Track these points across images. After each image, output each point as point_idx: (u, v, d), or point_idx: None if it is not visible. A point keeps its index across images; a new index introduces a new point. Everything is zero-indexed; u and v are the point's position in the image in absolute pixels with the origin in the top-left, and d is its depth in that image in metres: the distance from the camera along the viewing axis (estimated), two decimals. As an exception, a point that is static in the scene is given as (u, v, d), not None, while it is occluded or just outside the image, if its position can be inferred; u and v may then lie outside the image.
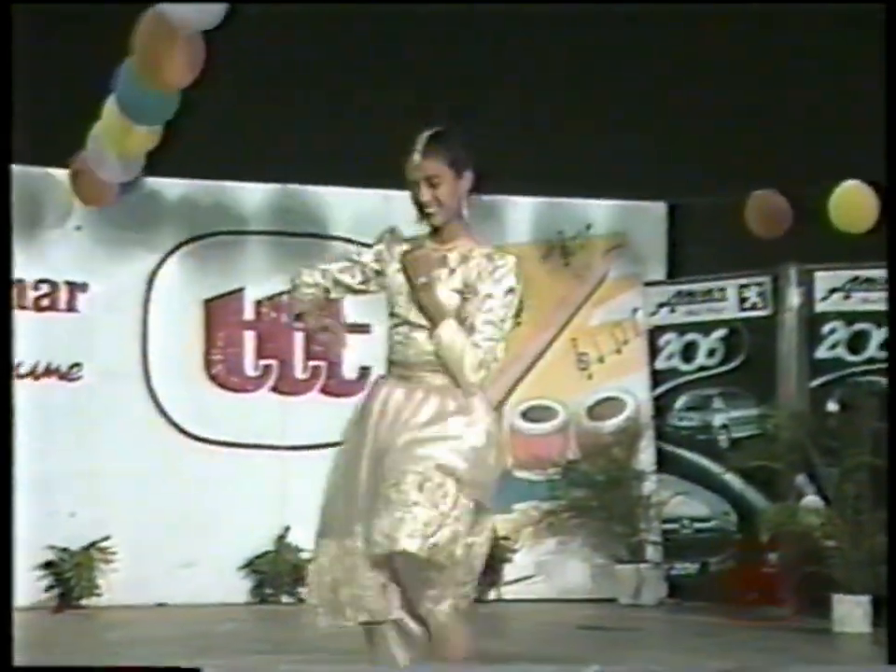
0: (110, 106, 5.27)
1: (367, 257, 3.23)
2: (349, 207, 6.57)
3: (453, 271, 3.10)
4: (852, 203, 6.12)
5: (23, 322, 6.31)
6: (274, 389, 6.71)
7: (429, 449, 2.98)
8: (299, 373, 6.74)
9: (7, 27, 3.01)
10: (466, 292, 3.08)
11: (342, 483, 3.09)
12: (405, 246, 3.18)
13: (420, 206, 3.12)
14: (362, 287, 3.26)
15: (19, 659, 2.92)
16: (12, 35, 3.02)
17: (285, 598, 6.49)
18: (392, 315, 3.17)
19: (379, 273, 3.21)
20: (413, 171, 3.11)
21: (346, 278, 3.24)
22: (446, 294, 3.08)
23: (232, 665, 4.04)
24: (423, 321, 3.09)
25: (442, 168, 3.09)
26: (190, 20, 4.60)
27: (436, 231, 3.16)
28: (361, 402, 3.17)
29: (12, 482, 2.84)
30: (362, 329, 6.78)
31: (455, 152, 3.11)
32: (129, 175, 5.74)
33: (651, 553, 6.76)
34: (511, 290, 3.09)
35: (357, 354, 6.72)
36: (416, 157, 3.10)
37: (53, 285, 6.43)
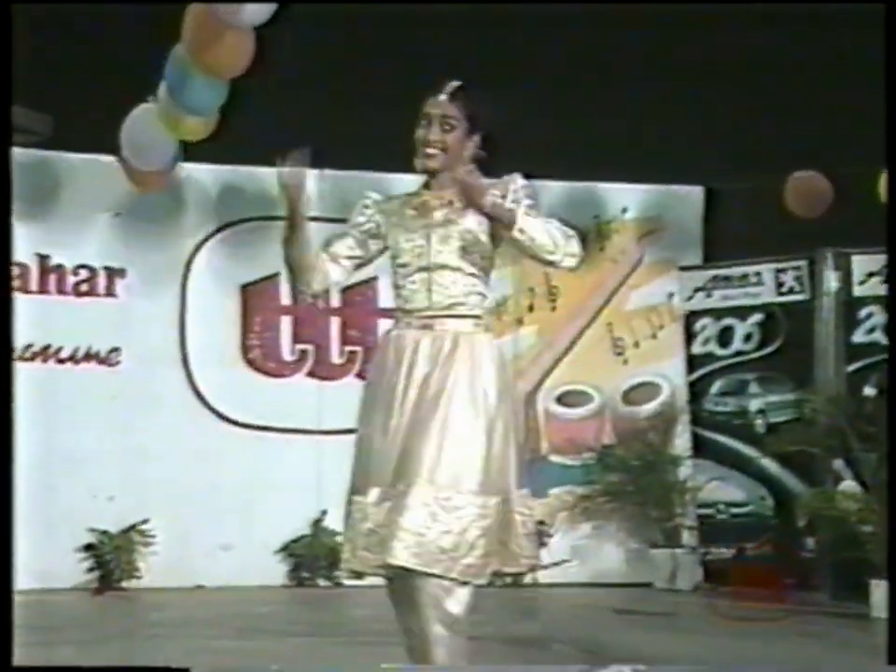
0: (162, 94, 5.31)
1: (358, 219, 3.22)
2: (386, 191, 6.57)
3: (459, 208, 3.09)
4: None
5: (63, 307, 6.40)
6: (311, 374, 6.74)
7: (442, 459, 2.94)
8: (335, 358, 6.77)
9: (7, 27, 3.02)
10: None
11: (379, 437, 3.04)
12: (394, 203, 3.20)
13: (424, 144, 3.11)
14: (359, 253, 3.21)
15: (66, 636, 2.96)
16: (11, 38, 3.02)
17: (321, 582, 6.53)
18: (402, 265, 3.14)
19: (374, 236, 3.20)
20: (431, 106, 3.11)
21: (343, 250, 3.21)
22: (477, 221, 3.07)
23: (221, 665, 4.09)
24: (452, 261, 3.08)
25: (460, 116, 3.10)
26: (236, 16, 4.62)
27: (428, 182, 3.15)
28: (382, 356, 3.14)
29: (12, 483, 2.85)
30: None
31: (476, 110, 3.12)
32: (163, 163, 5.78)
33: (687, 537, 6.74)
34: (533, 203, 3.10)
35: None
36: (441, 95, 3.11)
37: (92, 270, 6.49)
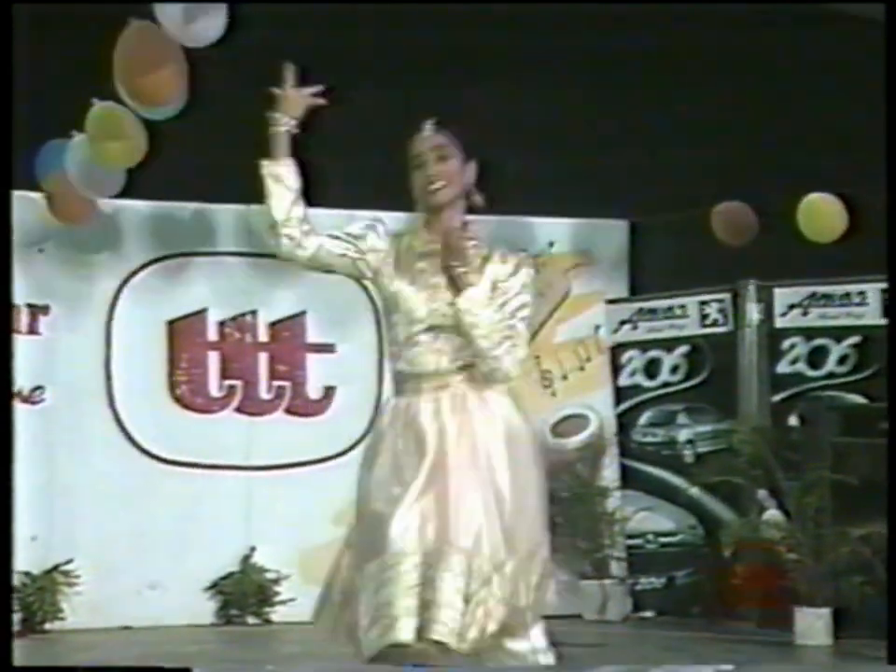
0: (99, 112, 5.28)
1: (363, 243, 3.01)
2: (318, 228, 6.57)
3: (480, 268, 2.96)
4: (823, 212, 6.19)
5: (-15, 345, 6.31)
6: (239, 410, 6.70)
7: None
8: (263, 394, 6.74)
9: (7, 27, 2.99)
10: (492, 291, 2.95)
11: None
12: (401, 243, 3.02)
13: (427, 182, 2.96)
14: (342, 260, 3.01)
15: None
16: (12, 40, 2.99)
17: (250, 619, 6.47)
18: (398, 324, 2.96)
19: (366, 263, 3.00)
20: (420, 143, 2.99)
21: (334, 247, 3.00)
22: (481, 296, 2.91)
23: (222, 667, 4.03)
24: (453, 322, 2.89)
25: (451, 144, 3.01)
26: (186, 34, 4.56)
27: (431, 221, 2.99)
28: (391, 421, 2.96)
29: (12, 483, 2.82)
30: (326, 348, 6.81)
31: (458, 140, 3.03)
32: (112, 190, 5.76)
33: (616, 568, 6.79)
34: (527, 304, 2.99)
35: (321, 374, 6.77)
36: (426, 131, 3.00)
37: (14, 308, 6.41)
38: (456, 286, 2.90)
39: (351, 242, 3.03)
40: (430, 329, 2.95)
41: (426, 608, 2.76)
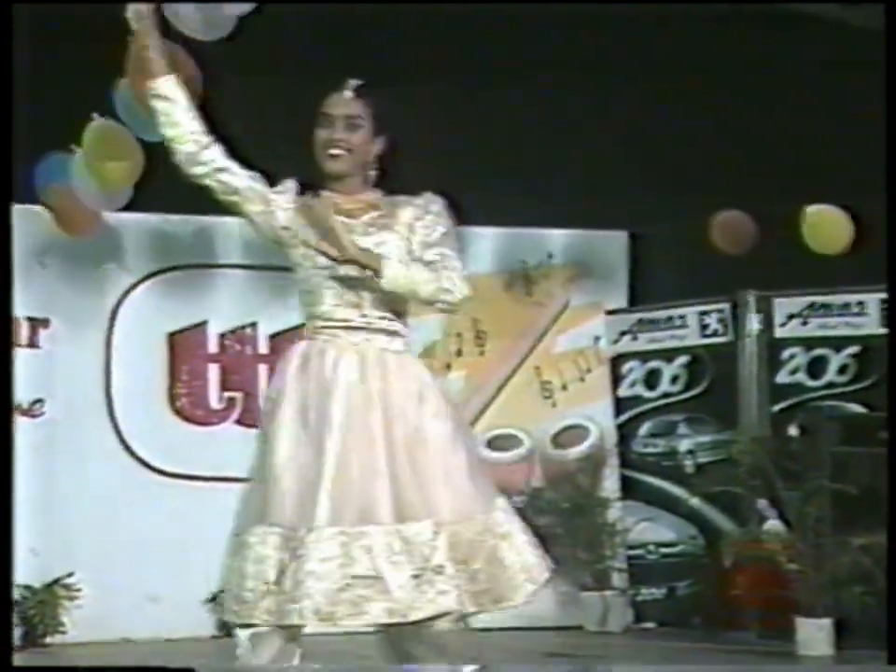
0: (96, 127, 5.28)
1: (279, 199, 2.95)
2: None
3: (392, 213, 2.95)
4: (829, 224, 6.19)
5: (-15, 358, 6.31)
6: (239, 422, 6.69)
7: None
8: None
9: (7, 27, 2.99)
10: (404, 234, 2.93)
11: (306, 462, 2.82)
12: (305, 201, 2.97)
13: (327, 145, 2.93)
14: (243, 198, 2.93)
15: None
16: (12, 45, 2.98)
17: (251, 632, 6.45)
18: (312, 276, 2.92)
19: (272, 215, 2.94)
20: (335, 105, 2.93)
21: (237, 175, 2.93)
22: (377, 241, 2.88)
23: (225, 667, 4.02)
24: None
25: (365, 115, 2.94)
26: (197, 28, 4.52)
27: (335, 184, 2.95)
28: (301, 369, 2.89)
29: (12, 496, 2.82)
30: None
31: (378, 109, 2.97)
32: (120, 202, 5.76)
33: (617, 579, 6.78)
34: (448, 231, 2.98)
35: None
36: (345, 93, 2.94)
37: (14, 321, 6.41)
38: (371, 267, 2.85)
39: (262, 186, 2.98)
40: (348, 282, 2.90)
41: (354, 584, 2.73)
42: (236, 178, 2.97)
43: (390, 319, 2.95)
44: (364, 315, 2.93)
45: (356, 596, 2.76)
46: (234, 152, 3.03)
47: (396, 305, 2.96)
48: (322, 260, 2.90)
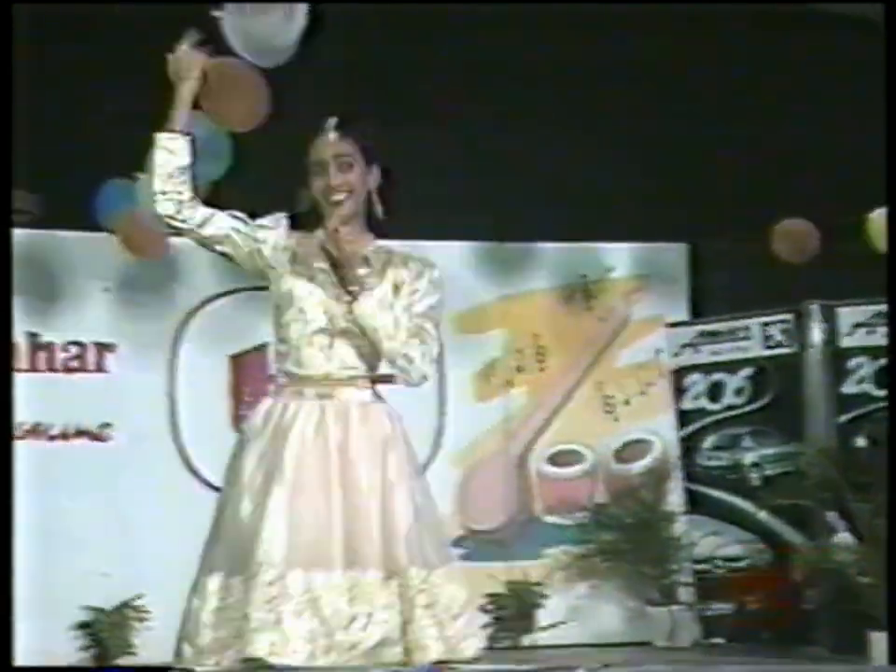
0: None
1: (261, 232, 2.94)
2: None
3: (380, 272, 2.93)
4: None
5: (53, 384, 6.39)
6: (303, 443, 6.73)
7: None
8: (325, 426, 6.76)
9: (7, 27, 3.01)
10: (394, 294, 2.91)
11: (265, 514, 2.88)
12: (294, 242, 2.96)
13: (328, 192, 2.90)
14: (231, 241, 2.93)
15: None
16: (12, 48, 3.00)
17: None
18: (291, 323, 2.92)
19: (259, 253, 2.95)
20: (322, 149, 2.90)
21: (223, 223, 2.91)
22: (377, 300, 2.87)
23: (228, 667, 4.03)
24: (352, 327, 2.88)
25: (354, 151, 2.90)
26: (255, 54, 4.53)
27: (340, 227, 2.88)
28: (263, 423, 2.93)
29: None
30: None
31: (366, 141, 2.93)
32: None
33: (684, 594, 6.72)
34: (436, 304, 2.95)
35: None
36: (329, 135, 2.90)
37: (82, 346, 6.50)
38: (350, 292, 2.87)
39: (248, 226, 2.97)
40: (324, 331, 2.91)
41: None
42: (218, 228, 2.96)
43: (362, 374, 2.95)
44: (331, 370, 2.92)
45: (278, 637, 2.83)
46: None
47: (370, 358, 2.97)
48: (303, 308, 2.90)
